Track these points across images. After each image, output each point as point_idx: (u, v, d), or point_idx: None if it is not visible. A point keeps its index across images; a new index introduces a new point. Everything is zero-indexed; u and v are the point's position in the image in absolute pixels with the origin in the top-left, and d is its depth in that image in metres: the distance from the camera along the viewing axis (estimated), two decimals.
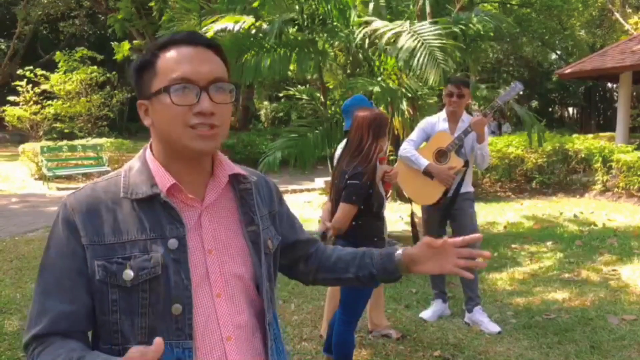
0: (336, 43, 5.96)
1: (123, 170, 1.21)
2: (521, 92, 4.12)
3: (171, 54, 1.13)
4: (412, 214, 4.39)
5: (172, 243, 1.13)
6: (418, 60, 4.55)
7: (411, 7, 5.78)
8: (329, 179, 9.26)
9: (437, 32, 4.71)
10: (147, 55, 1.17)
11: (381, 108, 5.45)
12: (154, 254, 1.11)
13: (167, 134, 1.14)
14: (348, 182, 2.92)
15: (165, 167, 1.17)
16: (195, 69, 1.11)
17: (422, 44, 4.59)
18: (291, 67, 5.88)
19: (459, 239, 1.31)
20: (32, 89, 15.94)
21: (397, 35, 4.71)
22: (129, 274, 1.10)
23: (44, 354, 1.09)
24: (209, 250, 1.18)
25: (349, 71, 6.15)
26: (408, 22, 4.99)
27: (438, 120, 4.23)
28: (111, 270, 1.11)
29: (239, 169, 1.26)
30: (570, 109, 29.55)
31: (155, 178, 1.16)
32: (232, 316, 1.19)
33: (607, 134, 15.38)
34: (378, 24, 4.85)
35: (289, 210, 1.46)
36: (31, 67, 16.01)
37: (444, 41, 4.68)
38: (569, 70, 14.08)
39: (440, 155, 4.06)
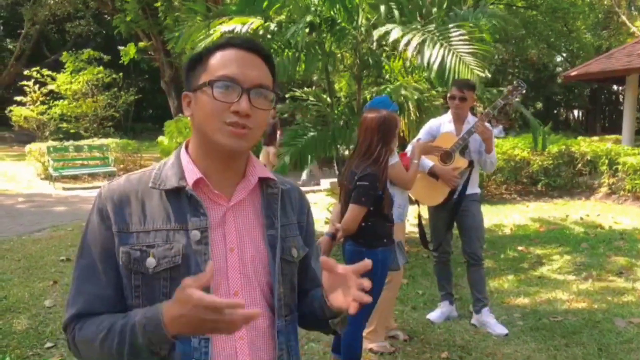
0: (342, 44, 5.96)
1: (159, 164, 1.27)
2: (524, 92, 4.09)
3: (224, 53, 1.18)
4: (420, 216, 4.39)
5: (195, 235, 1.16)
6: (450, 68, 4.42)
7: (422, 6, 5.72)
8: (335, 180, 9.29)
9: (463, 37, 4.62)
10: (203, 51, 1.22)
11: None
12: (175, 244, 1.16)
13: (202, 126, 1.18)
14: (357, 183, 2.93)
15: (196, 161, 1.22)
16: (242, 71, 1.16)
17: (450, 50, 4.49)
18: (298, 69, 5.89)
19: (354, 267, 1.14)
20: (38, 89, 16.01)
21: (423, 42, 4.58)
22: (151, 261, 1.15)
23: (86, 327, 1.15)
24: (231, 249, 1.21)
25: (356, 73, 6.14)
26: (432, 25, 4.87)
27: (443, 122, 4.25)
28: (135, 257, 1.15)
29: (269, 174, 1.29)
30: (576, 112, 29.52)
31: (185, 172, 1.20)
32: None
33: (613, 136, 15.34)
34: (398, 31, 4.74)
35: (313, 232, 1.43)
36: (38, 68, 16.09)
37: (474, 45, 4.58)
38: (575, 73, 14.07)
39: (445, 156, 4.06)
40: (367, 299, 1.09)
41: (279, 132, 10.96)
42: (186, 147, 1.26)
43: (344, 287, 1.15)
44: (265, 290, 1.24)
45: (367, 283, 1.12)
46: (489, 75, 4.90)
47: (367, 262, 1.12)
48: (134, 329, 1.07)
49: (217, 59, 1.18)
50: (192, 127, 1.24)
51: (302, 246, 1.33)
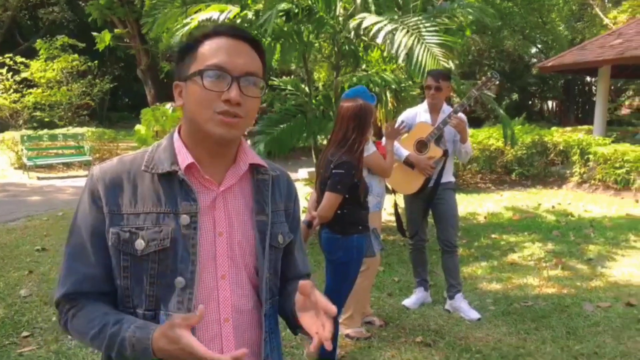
0: (321, 34, 5.98)
1: (152, 147, 1.28)
2: (497, 83, 4.17)
3: (212, 42, 1.19)
4: (396, 204, 4.47)
5: (184, 219, 1.19)
6: (417, 57, 4.48)
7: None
8: (312, 169, 9.33)
9: (433, 27, 4.68)
10: (191, 40, 1.23)
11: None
12: (164, 227, 1.18)
13: (194, 115, 1.20)
14: (333, 171, 2.98)
15: (188, 147, 1.24)
16: (231, 59, 1.17)
17: (419, 40, 4.55)
18: (275, 57, 5.90)
19: (325, 305, 1.15)
20: (11, 77, 15.68)
21: (393, 31, 4.64)
22: (140, 243, 1.17)
23: (78, 317, 1.19)
24: (220, 233, 1.23)
25: (334, 62, 6.17)
26: (412, 15, 4.90)
27: (419, 112, 4.31)
28: (124, 238, 1.18)
29: (260, 160, 1.31)
30: (550, 102, 29.89)
31: (177, 156, 1.22)
32: (233, 299, 1.23)
33: (585, 127, 15.64)
34: (372, 19, 4.80)
35: (299, 219, 1.47)
36: (10, 55, 15.75)
37: (443, 37, 4.64)
38: (549, 64, 14.27)
39: (421, 145, 4.14)
40: (329, 346, 1.12)
41: None
42: (179, 131, 1.28)
43: (316, 310, 1.17)
44: (252, 274, 1.27)
45: (328, 326, 1.13)
46: (453, 67, 4.97)
47: (334, 310, 1.13)
48: (123, 343, 1.12)
49: (205, 48, 1.19)
50: (183, 116, 1.26)
51: (288, 233, 1.36)
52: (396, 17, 4.90)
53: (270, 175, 1.32)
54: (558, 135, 10.88)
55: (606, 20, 20.72)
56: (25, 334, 3.82)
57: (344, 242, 3.05)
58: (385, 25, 4.66)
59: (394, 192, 4.43)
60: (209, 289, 1.21)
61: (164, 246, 1.17)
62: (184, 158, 1.21)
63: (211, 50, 1.18)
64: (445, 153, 4.15)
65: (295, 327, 1.28)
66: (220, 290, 1.22)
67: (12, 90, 15.83)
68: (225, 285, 1.23)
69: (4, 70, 15.51)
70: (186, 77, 1.20)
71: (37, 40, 16.77)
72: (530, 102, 28.62)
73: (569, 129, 14.90)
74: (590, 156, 9.90)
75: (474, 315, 4.14)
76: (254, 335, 1.27)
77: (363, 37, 5.87)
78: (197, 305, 1.18)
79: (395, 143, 3.93)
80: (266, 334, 1.28)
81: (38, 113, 16.36)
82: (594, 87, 23.38)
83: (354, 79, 5.55)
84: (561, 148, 10.54)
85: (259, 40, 1.27)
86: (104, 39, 13.91)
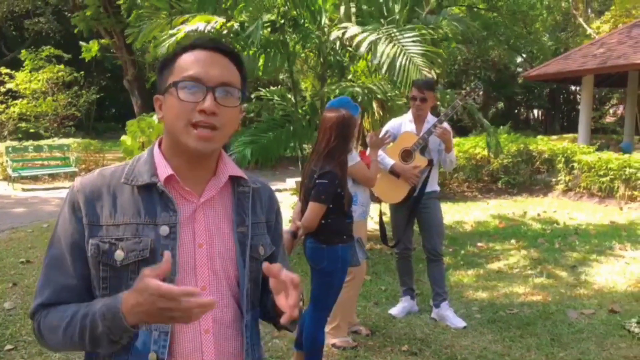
0: (307, 44, 6.02)
1: (132, 160, 1.29)
2: (480, 92, 4.25)
3: (189, 55, 1.21)
4: (381, 213, 4.49)
5: (164, 230, 1.19)
6: (400, 67, 4.54)
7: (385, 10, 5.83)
8: (300, 179, 9.35)
9: (415, 38, 4.74)
10: (170, 55, 1.25)
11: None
12: (144, 238, 1.18)
13: (171, 128, 1.21)
14: (317, 181, 2.99)
15: (168, 159, 1.25)
16: (206, 70, 1.18)
17: (402, 50, 4.61)
18: (260, 66, 5.92)
19: (292, 278, 1.16)
20: None
21: (376, 42, 4.69)
22: (119, 254, 1.17)
23: (50, 316, 1.18)
24: (200, 244, 1.24)
25: (320, 72, 6.21)
26: (391, 26, 4.97)
27: (404, 122, 4.35)
28: (103, 249, 1.18)
29: (240, 172, 1.32)
30: (535, 111, 30.17)
31: (157, 168, 1.23)
32: (213, 311, 1.21)
33: (570, 135, 15.82)
34: (354, 30, 4.85)
35: (281, 231, 1.47)
36: None
37: (424, 47, 4.70)
38: (534, 73, 14.45)
39: (406, 155, 4.17)
40: (294, 313, 1.13)
41: None
42: (159, 145, 1.29)
43: (285, 287, 1.17)
44: (233, 286, 1.27)
45: (294, 294, 1.14)
46: (435, 77, 5.03)
47: (297, 280, 1.15)
48: (94, 317, 1.10)
49: (182, 60, 1.21)
50: (164, 128, 1.27)
51: (269, 245, 1.36)
52: (379, 27, 4.95)
53: (250, 187, 1.33)
54: (543, 144, 11.00)
55: (589, 30, 21.03)
56: (9, 347, 3.77)
57: (329, 252, 3.06)
58: (367, 35, 4.71)
59: (379, 201, 4.45)
60: None
61: (143, 257, 1.17)
62: (164, 170, 1.22)
63: (187, 63, 1.20)
64: (430, 162, 4.19)
65: (277, 318, 1.26)
66: None
67: None
68: (206, 297, 1.23)
69: None
70: (164, 90, 1.22)
71: (22, 51, 16.68)
72: (516, 111, 28.89)
73: (554, 137, 15.07)
74: (575, 164, 10.01)
75: (460, 323, 4.15)
76: (234, 346, 1.27)
77: (348, 48, 5.92)
78: None
79: (381, 152, 3.94)
80: (247, 345, 1.28)
81: (23, 124, 16.25)
82: (578, 96, 23.65)
83: (337, 91, 5.59)
84: (546, 156, 10.65)
85: (236, 52, 1.29)
86: (92, 48, 13.88)
